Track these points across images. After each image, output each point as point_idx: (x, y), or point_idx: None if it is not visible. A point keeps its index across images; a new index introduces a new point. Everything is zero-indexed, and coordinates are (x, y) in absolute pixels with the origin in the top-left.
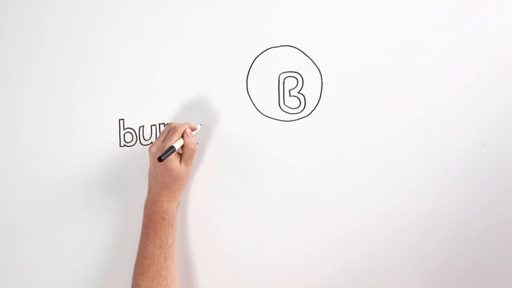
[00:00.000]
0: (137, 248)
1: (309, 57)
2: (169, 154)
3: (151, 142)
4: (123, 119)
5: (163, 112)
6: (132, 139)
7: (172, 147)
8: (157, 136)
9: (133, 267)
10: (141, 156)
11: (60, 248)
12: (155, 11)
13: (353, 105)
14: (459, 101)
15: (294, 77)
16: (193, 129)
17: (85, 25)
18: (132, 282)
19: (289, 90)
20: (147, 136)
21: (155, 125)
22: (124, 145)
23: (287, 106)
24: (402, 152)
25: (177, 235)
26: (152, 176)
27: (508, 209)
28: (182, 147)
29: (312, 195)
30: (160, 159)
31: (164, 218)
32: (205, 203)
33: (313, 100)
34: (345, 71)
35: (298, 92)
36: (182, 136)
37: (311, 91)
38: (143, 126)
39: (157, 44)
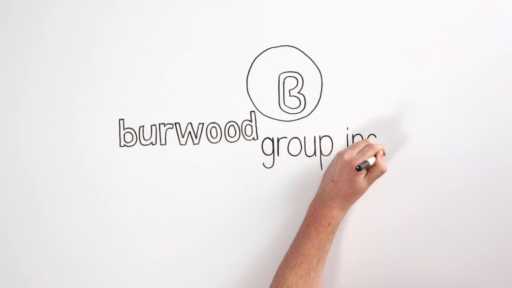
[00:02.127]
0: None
1: (309, 57)
2: (366, 166)
3: (151, 142)
4: (123, 119)
5: (163, 112)
6: (132, 139)
7: (367, 161)
8: (157, 136)
9: (277, 258)
10: (141, 156)
11: (60, 248)
12: (155, 12)
13: (353, 105)
14: (459, 101)
15: (294, 77)
16: (384, 154)
17: (85, 25)
18: (278, 273)
19: (289, 90)
20: (147, 136)
21: (155, 125)
22: (124, 145)
23: (287, 106)
24: (402, 152)
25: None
26: (332, 180)
27: (508, 209)
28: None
29: (312, 195)
30: (359, 168)
31: (330, 224)
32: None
33: (313, 100)
34: (345, 71)
35: (298, 92)
36: (375, 156)
37: (311, 91)
38: (143, 126)
39: (157, 44)
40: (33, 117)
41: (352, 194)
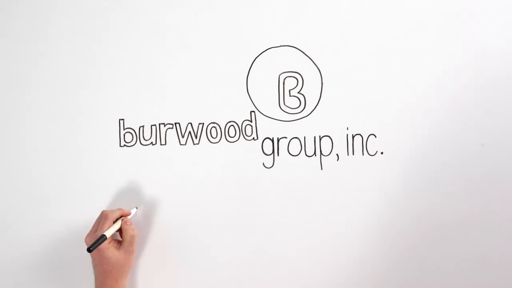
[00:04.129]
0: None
1: (309, 57)
2: (99, 244)
3: (151, 142)
4: (123, 119)
5: (163, 112)
6: (132, 139)
7: (103, 235)
8: (157, 136)
9: None
10: (141, 156)
11: (60, 248)
12: (155, 12)
13: (353, 105)
14: (459, 101)
15: (294, 77)
16: (127, 214)
17: (86, 26)
18: None
19: (289, 90)
20: (147, 136)
21: (155, 125)
22: (124, 145)
23: (287, 106)
24: (402, 152)
25: None
26: (94, 266)
27: (508, 209)
28: (121, 234)
29: (312, 195)
30: (89, 250)
31: None
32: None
33: (313, 100)
34: (345, 71)
35: (298, 92)
36: (118, 221)
37: (311, 91)
38: (143, 126)
39: (158, 44)
40: (33, 117)
41: (114, 270)
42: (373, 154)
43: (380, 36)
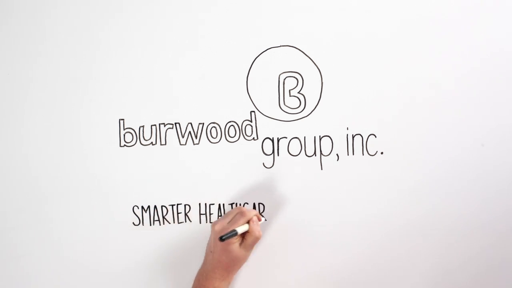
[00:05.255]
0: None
1: (309, 57)
2: (230, 237)
3: (151, 142)
4: (123, 119)
5: (163, 112)
6: (132, 139)
7: (235, 230)
8: (157, 136)
9: None
10: (141, 156)
11: (60, 247)
12: (155, 12)
13: (353, 105)
14: (459, 101)
15: (294, 77)
16: (259, 219)
17: (85, 25)
18: None
19: (289, 90)
20: (147, 136)
21: (155, 125)
22: (124, 145)
23: (287, 106)
24: (402, 152)
25: None
26: (211, 251)
27: (508, 209)
28: (246, 232)
29: (312, 195)
30: (221, 239)
31: None
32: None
33: (313, 100)
34: (345, 71)
35: (298, 92)
36: (248, 222)
37: (311, 91)
38: (143, 126)
39: (157, 44)
40: (33, 117)
41: (231, 264)
42: (373, 154)
43: (380, 36)
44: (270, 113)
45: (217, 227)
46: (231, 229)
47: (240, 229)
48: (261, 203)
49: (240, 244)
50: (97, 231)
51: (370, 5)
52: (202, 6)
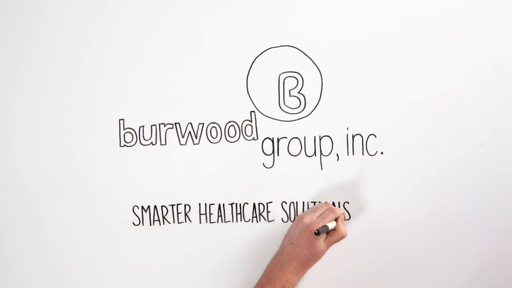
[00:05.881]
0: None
1: (309, 57)
2: (325, 231)
3: (151, 142)
4: (123, 119)
5: (163, 112)
6: (132, 139)
7: (327, 226)
8: (157, 136)
9: None
10: (141, 156)
11: (59, 248)
12: (155, 11)
13: (353, 105)
14: (459, 101)
15: (294, 77)
16: (344, 218)
17: (85, 25)
18: None
19: (289, 90)
20: (147, 136)
21: (155, 125)
22: (124, 145)
23: (287, 106)
24: (402, 152)
25: None
26: (291, 243)
27: (508, 209)
28: (331, 230)
29: (312, 195)
30: (317, 233)
31: (284, 287)
32: None
33: (313, 100)
34: (345, 71)
35: (298, 92)
36: (336, 220)
37: (311, 91)
38: (143, 126)
39: (158, 44)
40: (33, 117)
41: (310, 258)
42: (373, 154)
43: (380, 36)
44: (270, 113)
45: (307, 220)
46: (321, 224)
47: (331, 225)
48: (261, 203)
49: (324, 240)
50: (97, 231)
51: (370, 5)
52: (202, 6)
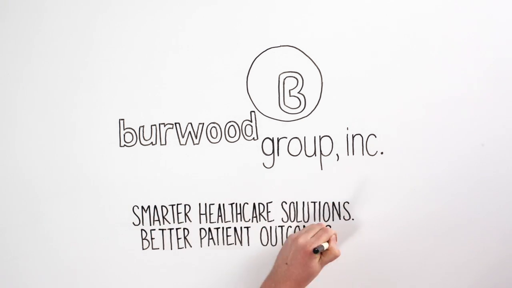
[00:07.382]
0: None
1: (309, 57)
2: (322, 250)
3: (151, 142)
4: (123, 119)
5: (163, 112)
6: (132, 139)
7: (322, 246)
8: (157, 136)
9: None
10: (141, 156)
11: (59, 248)
12: (155, 11)
13: (353, 105)
14: (459, 101)
15: (294, 77)
16: (336, 239)
17: (85, 25)
18: None
19: (289, 90)
20: (147, 136)
21: (155, 125)
22: (124, 145)
23: (287, 106)
24: (402, 152)
25: None
26: (286, 263)
27: (508, 209)
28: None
29: (312, 195)
30: (315, 251)
31: None
32: None
33: (313, 100)
34: (345, 71)
35: (298, 92)
36: (328, 241)
37: (311, 91)
38: (143, 126)
39: (157, 44)
40: (33, 117)
41: (305, 278)
42: (373, 154)
43: (380, 36)
44: (270, 113)
45: (301, 240)
46: (315, 244)
47: (326, 245)
48: (261, 203)
49: (318, 260)
50: (97, 231)
51: (370, 5)
52: (202, 6)
